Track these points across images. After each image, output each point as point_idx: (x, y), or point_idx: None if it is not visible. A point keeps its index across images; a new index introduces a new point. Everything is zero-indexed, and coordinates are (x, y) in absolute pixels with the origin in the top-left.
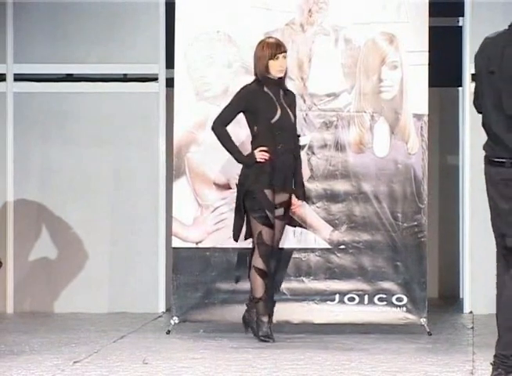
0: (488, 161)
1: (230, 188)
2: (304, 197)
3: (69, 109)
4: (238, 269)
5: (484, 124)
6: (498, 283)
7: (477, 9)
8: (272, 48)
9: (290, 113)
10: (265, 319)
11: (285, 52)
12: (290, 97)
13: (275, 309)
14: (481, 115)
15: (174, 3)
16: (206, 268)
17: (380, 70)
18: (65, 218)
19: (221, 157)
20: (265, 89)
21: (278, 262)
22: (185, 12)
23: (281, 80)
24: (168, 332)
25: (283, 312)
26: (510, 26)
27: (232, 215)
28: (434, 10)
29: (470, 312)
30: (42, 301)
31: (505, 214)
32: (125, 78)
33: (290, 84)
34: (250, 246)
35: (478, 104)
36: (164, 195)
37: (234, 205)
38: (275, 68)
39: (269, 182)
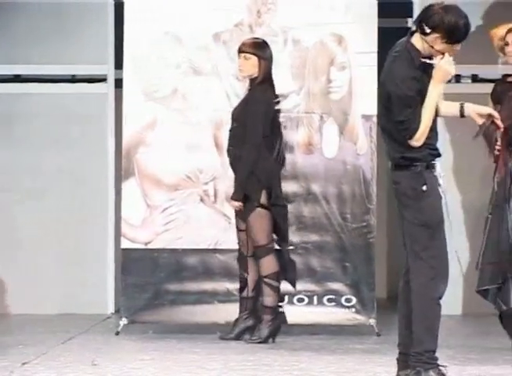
0: None
1: (179, 189)
2: (235, 197)
3: (16, 110)
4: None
5: None
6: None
7: None
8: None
9: (235, 116)
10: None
11: (244, 52)
12: (249, 100)
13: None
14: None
15: (123, 3)
16: (155, 269)
17: (329, 70)
18: (13, 218)
19: (170, 158)
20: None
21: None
22: (133, 13)
23: (254, 81)
24: (117, 333)
25: (232, 313)
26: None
27: (181, 215)
28: (383, 11)
29: None
30: None
31: None
32: (74, 79)
33: (238, 85)
34: (198, 247)
35: None
36: (114, 196)
37: (183, 206)
38: None
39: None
